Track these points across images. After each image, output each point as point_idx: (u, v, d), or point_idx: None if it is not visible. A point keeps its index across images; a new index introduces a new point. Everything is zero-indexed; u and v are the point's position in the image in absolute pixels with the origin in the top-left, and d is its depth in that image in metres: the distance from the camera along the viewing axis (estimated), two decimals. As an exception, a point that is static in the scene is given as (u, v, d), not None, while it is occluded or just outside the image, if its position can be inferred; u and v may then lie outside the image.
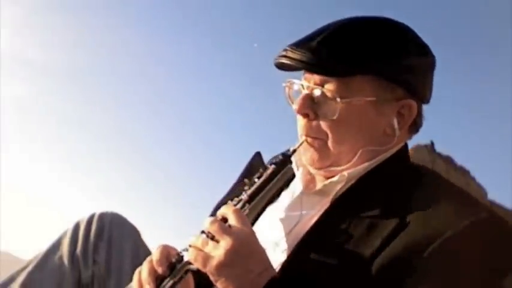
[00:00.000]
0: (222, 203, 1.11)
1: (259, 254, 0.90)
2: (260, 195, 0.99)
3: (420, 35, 1.06)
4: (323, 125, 0.99)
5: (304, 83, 1.01)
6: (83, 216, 1.35)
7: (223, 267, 0.85)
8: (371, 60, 0.97)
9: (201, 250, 0.88)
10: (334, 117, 0.97)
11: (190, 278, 1.01)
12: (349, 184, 0.99)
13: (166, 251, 0.99)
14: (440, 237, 0.84)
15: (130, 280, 1.29)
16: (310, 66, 0.98)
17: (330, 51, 0.96)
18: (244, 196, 0.98)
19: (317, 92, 0.99)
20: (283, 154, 1.03)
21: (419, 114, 1.04)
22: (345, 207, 0.96)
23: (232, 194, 1.08)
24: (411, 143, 1.10)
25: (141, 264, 1.19)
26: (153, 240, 1.39)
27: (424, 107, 1.06)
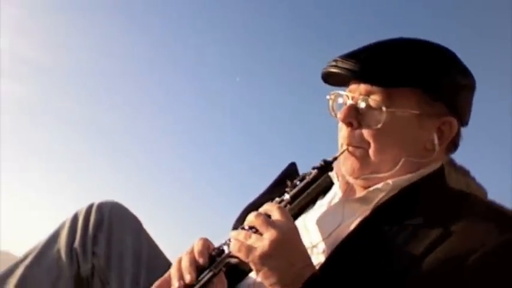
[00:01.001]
0: (252, 206, 1.14)
1: (302, 249, 0.91)
2: (300, 198, 1.02)
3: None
4: (366, 133, 1.02)
5: (349, 94, 1.05)
6: (81, 207, 1.32)
7: (266, 257, 0.86)
8: (417, 74, 1.00)
9: (243, 242, 0.90)
10: (379, 126, 0.99)
11: (223, 277, 1.02)
12: (391, 194, 1.00)
13: (207, 243, 1.00)
14: (482, 248, 0.85)
15: (132, 273, 1.28)
16: (359, 75, 1.01)
17: (379, 62, 1.01)
18: (286, 196, 1.01)
19: (362, 102, 1.02)
20: (324, 161, 1.05)
21: (458, 134, 1.07)
22: (387, 215, 0.97)
23: (263, 199, 1.09)
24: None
25: (145, 254, 1.18)
26: (155, 231, 1.37)
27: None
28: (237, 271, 1.05)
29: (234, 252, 0.90)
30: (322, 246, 1.02)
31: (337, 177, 1.13)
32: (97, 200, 1.34)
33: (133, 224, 1.35)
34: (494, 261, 0.85)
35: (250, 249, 0.88)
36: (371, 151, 1.02)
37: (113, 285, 1.26)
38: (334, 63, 1.02)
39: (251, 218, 0.92)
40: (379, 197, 1.01)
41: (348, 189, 1.11)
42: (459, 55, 1.10)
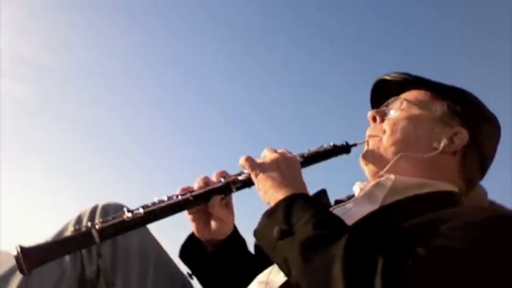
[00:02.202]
0: None
1: (298, 172, 1.05)
2: (311, 162, 1.15)
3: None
4: (385, 123, 1.17)
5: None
6: (85, 208, 1.31)
7: (265, 167, 1.03)
8: (445, 88, 1.16)
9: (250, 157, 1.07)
10: (397, 115, 1.15)
11: (232, 207, 1.18)
12: (397, 198, 1.06)
13: (224, 172, 1.15)
14: (462, 218, 0.89)
15: (139, 274, 1.28)
16: (399, 78, 1.20)
17: (415, 75, 1.19)
18: (298, 157, 1.13)
19: (391, 102, 1.19)
20: (346, 142, 1.20)
21: (473, 161, 1.14)
22: (390, 214, 1.03)
23: None
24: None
25: (153, 257, 1.22)
26: (156, 232, 1.37)
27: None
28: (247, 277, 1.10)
29: (240, 163, 1.06)
30: None
31: (360, 190, 1.20)
32: (101, 202, 1.33)
33: None
34: (471, 232, 0.86)
35: (254, 161, 1.05)
36: (384, 137, 1.15)
37: (119, 286, 1.25)
38: (381, 77, 1.22)
39: (264, 151, 1.08)
40: (383, 194, 1.06)
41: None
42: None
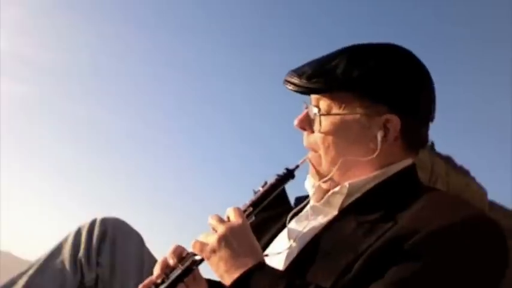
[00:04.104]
0: None
1: (249, 243, 0.99)
2: (260, 204, 1.08)
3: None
4: (316, 138, 1.08)
5: (307, 102, 1.12)
6: (84, 221, 1.36)
7: (214, 250, 0.96)
8: (351, 78, 1.03)
9: (198, 239, 1.01)
10: (321, 130, 1.06)
11: (202, 281, 1.10)
12: (356, 196, 1.04)
13: (179, 248, 1.07)
14: (425, 228, 0.88)
15: (136, 284, 1.30)
16: (299, 90, 1.07)
17: (315, 72, 1.06)
18: (246, 203, 1.07)
19: (312, 109, 1.09)
20: (287, 169, 1.11)
21: (415, 132, 1.07)
22: (350, 216, 1.01)
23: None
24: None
25: (147, 269, 1.23)
26: (156, 236, 1.40)
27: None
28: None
29: (192, 248, 1.01)
30: (290, 251, 1.06)
31: (312, 187, 1.16)
32: (99, 216, 1.37)
33: (136, 237, 1.39)
34: (434, 240, 0.87)
35: (203, 244, 0.99)
36: (321, 154, 1.08)
37: None
38: (285, 80, 1.09)
39: (209, 219, 1.03)
40: (341, 200, 1.04)
41: (318, 198, 1.13)
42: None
